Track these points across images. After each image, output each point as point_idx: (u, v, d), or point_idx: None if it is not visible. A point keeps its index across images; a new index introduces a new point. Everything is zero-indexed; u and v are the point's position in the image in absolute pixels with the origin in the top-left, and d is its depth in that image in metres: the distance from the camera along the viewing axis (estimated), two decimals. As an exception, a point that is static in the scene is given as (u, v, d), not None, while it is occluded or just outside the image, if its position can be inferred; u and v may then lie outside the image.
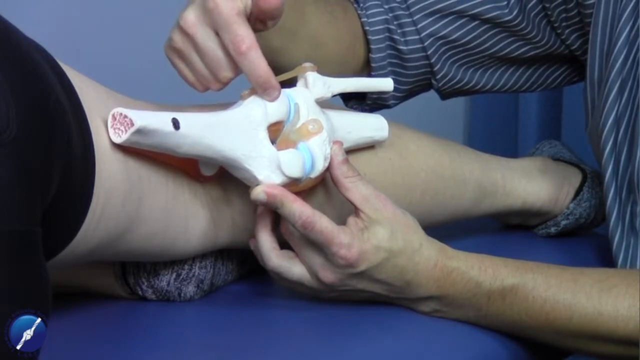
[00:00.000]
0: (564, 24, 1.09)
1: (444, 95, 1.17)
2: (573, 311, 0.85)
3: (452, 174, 1.04)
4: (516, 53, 1.12)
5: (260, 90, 0.83)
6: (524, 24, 1.09)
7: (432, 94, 1.17)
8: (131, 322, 0.90)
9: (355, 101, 1.13)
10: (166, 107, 0.88)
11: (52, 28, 1.43)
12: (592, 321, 0.84)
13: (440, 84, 1.14)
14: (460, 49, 1.12)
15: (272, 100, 0.84)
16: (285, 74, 0.90)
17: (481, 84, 1.15)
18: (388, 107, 1.14)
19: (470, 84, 1.15)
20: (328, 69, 0.92)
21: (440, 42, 1.10)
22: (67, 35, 1.46)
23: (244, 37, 0.80)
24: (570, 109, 1.86)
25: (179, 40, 0.83)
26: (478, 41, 1.11)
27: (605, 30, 1.00)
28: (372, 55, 1.09)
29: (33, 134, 0.65)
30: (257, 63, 0.82)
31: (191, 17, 0.81)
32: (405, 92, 1.14)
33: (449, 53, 1.11)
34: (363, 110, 1.12)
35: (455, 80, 1.14)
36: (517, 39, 1.11)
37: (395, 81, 1.06)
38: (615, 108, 0.98)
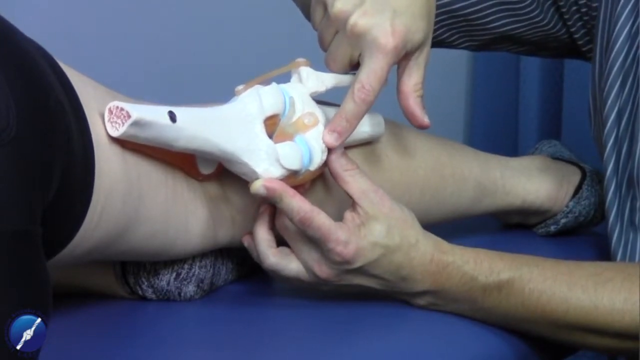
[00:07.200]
0: (574, 12, 1.08)
1: None
2: (569, 304, 0.84)
3: (451, 172, 1.04)
4: (513, 32, 1.11)
5: None
6: (532, 6, 1.09)
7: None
8: (131, 321, 0.90)
9: None
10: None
11: (52, 28, 1.43)
12: (588, 314, 0.84)
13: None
14: (461, 17, 1.10)
15: None
16: (278, 69, 0.90)
17: (454, 45, 1.14)
18: None
19: (447, 43, 1.14)
20: None
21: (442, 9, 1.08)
22: (67, 35, 1.46)
23: None
24: (570, 109, 1.86)
25: None
26: (480, 14, 1.09)
27: (605, 26, 1.00)
28: None
29: (33, 133, 0.65)
30: None
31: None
32: None
33: (446, 18, 1.10)
34: None
35: (439, 39, 1.12)
36: (517, 18, 1.10)
37: None
38: (617, 104, 0.98)
